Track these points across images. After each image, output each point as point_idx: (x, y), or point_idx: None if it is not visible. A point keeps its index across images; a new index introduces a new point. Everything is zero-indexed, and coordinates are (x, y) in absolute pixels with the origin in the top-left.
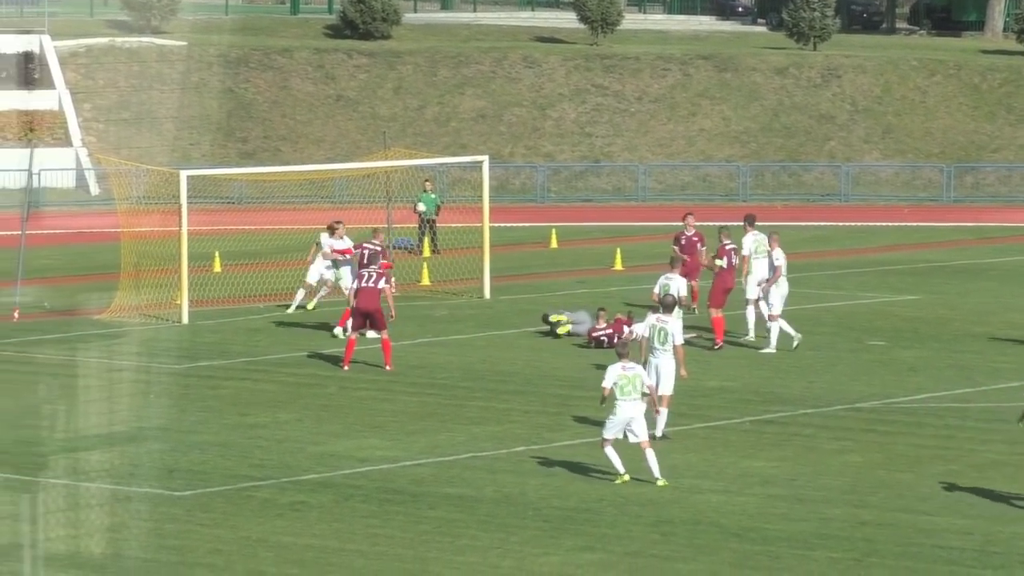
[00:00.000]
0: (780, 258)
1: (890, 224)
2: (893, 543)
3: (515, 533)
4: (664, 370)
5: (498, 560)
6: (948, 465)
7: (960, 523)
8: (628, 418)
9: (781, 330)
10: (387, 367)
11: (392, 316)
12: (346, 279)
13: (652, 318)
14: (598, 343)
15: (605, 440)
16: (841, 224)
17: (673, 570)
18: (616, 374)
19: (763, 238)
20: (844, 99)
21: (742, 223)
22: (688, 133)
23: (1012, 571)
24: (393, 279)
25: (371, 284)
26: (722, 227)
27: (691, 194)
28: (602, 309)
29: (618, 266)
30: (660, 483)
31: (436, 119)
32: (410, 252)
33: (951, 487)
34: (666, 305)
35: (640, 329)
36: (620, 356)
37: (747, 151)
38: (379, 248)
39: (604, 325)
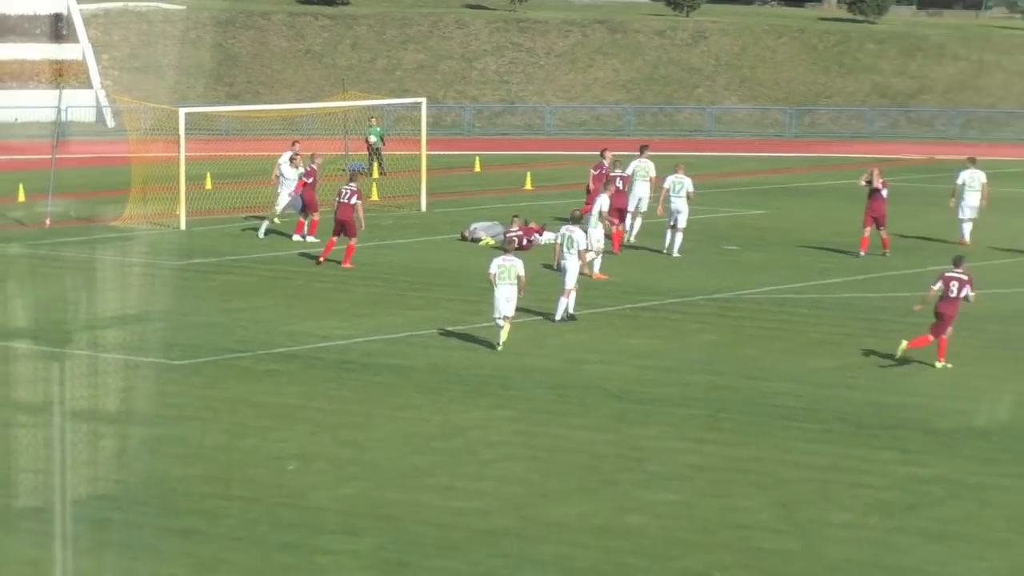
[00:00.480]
0: (687, 182)
1: (743, 154)
2: (740, 403)
3: (443, 394)
4: (570, 269)
5: (429, 415)
6: (785, 343)
7: (792, 387)
8: (504, 297)
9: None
10: (345, 265)
11: (362, 226)
12: (282, 199)
13: (564, 228)
14: (510, 243)
15: (495, 317)
16: (706, 154)
17: (566, 423)
18: (497, 264)
19: (648, 164)
20: (710, 56)
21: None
22: (585, 81)
23: (831, 425)
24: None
25: (346, 200)
26: (615, 158)
27: (587, 130)
28: (516, 215)
29: (528, 186)
30: (499, 349)
31: (384, 69)
32: (362, 174)
33: (787, 359)
34: (573, 218)
35: (549, 236)
36: (504, 251)
37: (631, 96)
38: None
39: (517, 228)
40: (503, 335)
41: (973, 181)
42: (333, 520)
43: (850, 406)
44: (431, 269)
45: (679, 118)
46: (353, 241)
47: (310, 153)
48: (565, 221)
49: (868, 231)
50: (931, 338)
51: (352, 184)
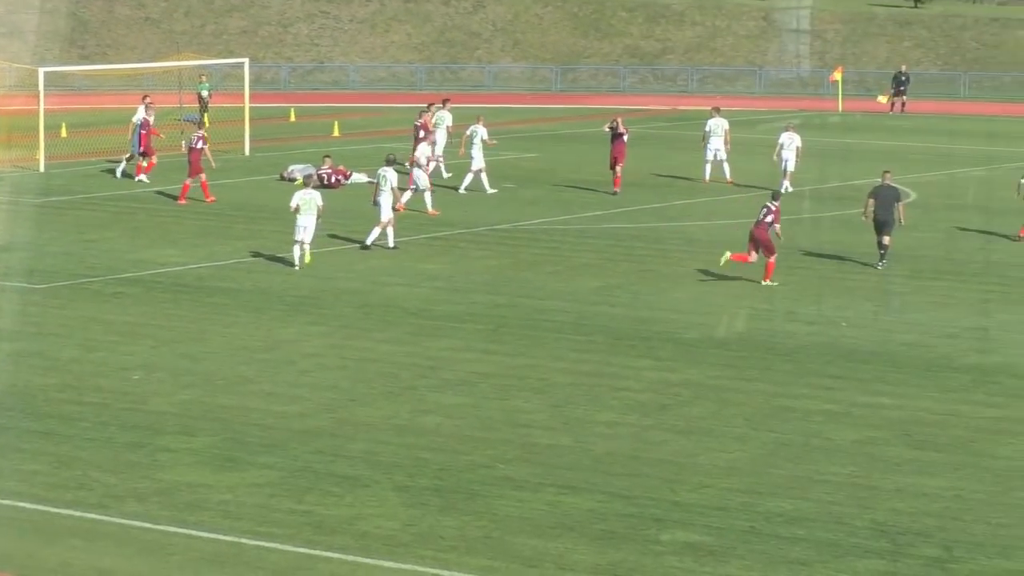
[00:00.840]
0: (482, 130)
1: (517, 106)
2: (518, 319)
3: (265, 313)
4: (383, 204)
5: (254, 331)
6: (555, 266)
7: (562, 305)
8: (303, 226)
9: (480, 179)
10: (207, 199)
11: (213, 166)
12: (134, 145)
13: (381, 169)
14: (311, 178)
15: (295, 240)
16: (486, 106)
17: (371, 337)
18: (299, 197)
19: (446, 114)
20: (487, 22)
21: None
22: (383, 44)
23: (595, 336)
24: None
25: (196, 146)
26: (422, 110)
27: (385, 85)
28: (327, 156)
29: (336, 133)
30: (298, 268)
31: (213, 33)
32: (195, 124)
33: (557, 281)
34: (388, 161)
35: (357, 178)
36: (306, 185)
37: (423, 56)
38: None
39: (327, 167)
40: (305, 257)
41: (717, 128)
42: (172, 422)
43: (611, 320)
44: (254, 205)
45: (463, 75)
46: (203, 177)
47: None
48: (380, 165)
49: (614, 169)
50: (750, 257)
51: (200, 131)
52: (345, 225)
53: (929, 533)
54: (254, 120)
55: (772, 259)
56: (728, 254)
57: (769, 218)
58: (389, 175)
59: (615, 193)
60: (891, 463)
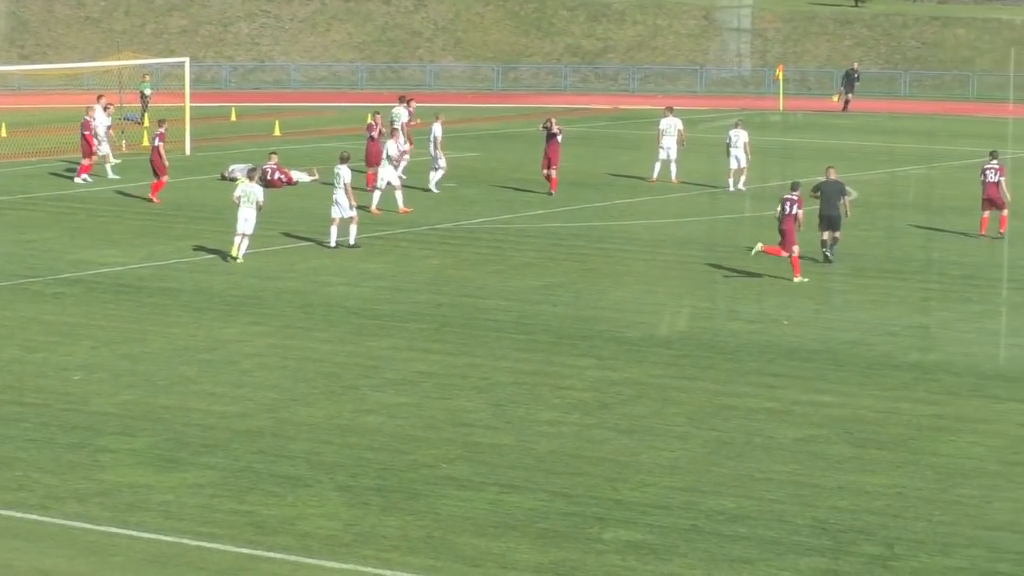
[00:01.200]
0: (437, 128)
1: (458, 105)
2: (460, 318)
3: (206, 313)
4: (339, 200)
5: (195, 331)
6: (497, 265)
7: (504, 304)
8: (243, 217)
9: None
10: (154, 200)
11: (166, 164)
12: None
13: (336, 167)
14: (253, 172)
15: (235, 232)
16: (427, 105)
17: (313, 337)
18: (241, 190)
19: (402, 111)
20: (429, 21)
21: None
22: (324, 43)
23: (537, 335)
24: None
25: (154, 143)
26: (375, 111)
27: (326, 84)
28: (273, 152)
29: (277, 132)
30: (240, 260)
31: (154, 32)
32: (136, 123)
33: (498, 280)
34: (342, 158)
35: (300, 177)
36: (249, 178)
37: (364, 55)
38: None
39: (274, 164)
40: (240, 248)
41: (670, 127)
42: (113, 423)
43: (553, 319)
44: (195, 204)
45: (404, 74)
46: (163, 179)
47: (91, 106)
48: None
49: (546, 171)
50: (784, 252)
51: (160, 129)
52: (288, 224)
53: (870, 531)
54: (195, 120)
55: (796, 253)
56: (760, 245)
57: (795, 209)
58: (343, 173)
59: (550, 194)
60: (832, 461)
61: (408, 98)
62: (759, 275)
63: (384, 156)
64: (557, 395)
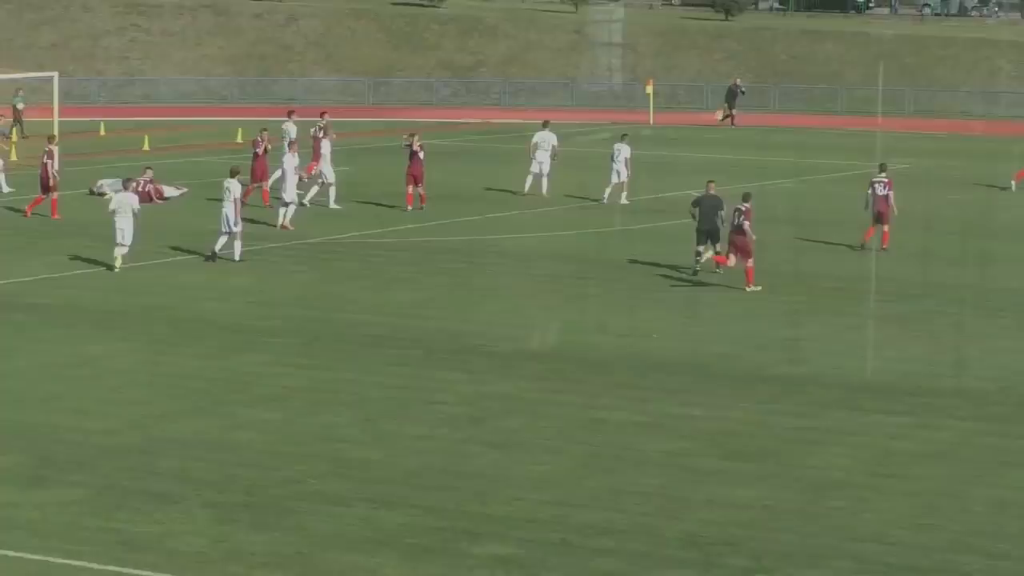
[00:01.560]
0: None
1: (331, 119)
2: (330, 332)
3: (74, 329)
4: (228, 215)
5: (63, 348)
6: (367, 280)
7: (375, 318)
8: (121, 228)
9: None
10: (54, 216)
11: (55, 178)
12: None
13: (225, 181)
14: (129, 182)
15: (115, 243)
16: (299, 119)
17: (182, 352)
18: (116, 201)
19: (291, 127)
20: (300, 35)
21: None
22: (195, 57)
23: (407, 350)
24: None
25: (44, 160)
26: (263, 128)
27: (197, 99)
28: (148, 167)
29: (146, 147)
30: (116, 270)
31: (23, 46)
32: (5, 136)
33: (369, 294)
34: (232, 173)
35: (170, 192)
36: (125, 189)
37: (235, 70)
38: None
39: (148, 178)
40: (119, 260)
41: (544, 142)
42: None
43: (423, 333)
44: (63, 219)
45: (275, 89)
46: (52, 196)
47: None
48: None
49: (411, 188)
50: (729, 261)
51: (49, 146)
52: (158, 240)
53: (739, 543)
54: (64, 134)
55: (750, 263)
56: (709, 253)
57: (745, 222)
58: (232, 187)
59: (421, 208)
60: (701, 474)
61: (322, 112)
62: (708, 284)
63: (282, 171)
64: (428, 410)
